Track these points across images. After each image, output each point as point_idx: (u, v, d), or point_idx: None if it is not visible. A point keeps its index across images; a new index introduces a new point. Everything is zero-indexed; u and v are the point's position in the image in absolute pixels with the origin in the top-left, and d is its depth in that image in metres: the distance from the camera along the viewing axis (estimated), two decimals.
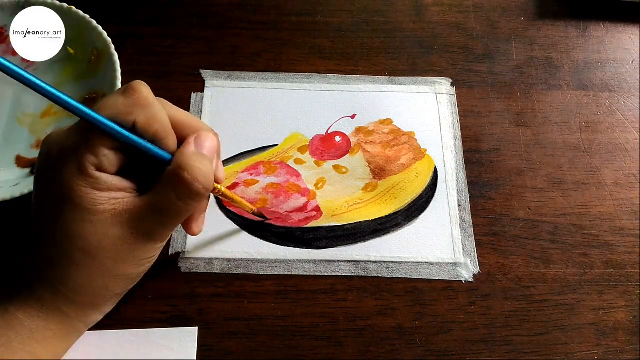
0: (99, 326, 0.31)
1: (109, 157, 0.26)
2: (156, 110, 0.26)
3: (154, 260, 0.30)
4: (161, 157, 0.27)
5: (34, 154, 0.38)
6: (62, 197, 0.26)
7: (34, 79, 0.23)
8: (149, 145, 0.26)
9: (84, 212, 0.25)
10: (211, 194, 0.30)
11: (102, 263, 0.27)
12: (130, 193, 0.27)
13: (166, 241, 0.29)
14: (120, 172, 0.27)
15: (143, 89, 0.26)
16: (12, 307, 0.27)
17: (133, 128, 0.26)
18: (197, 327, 0.33)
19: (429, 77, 0.44)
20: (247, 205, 0.34)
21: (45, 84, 0.24)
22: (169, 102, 0.28)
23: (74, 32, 0.40)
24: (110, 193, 0.26)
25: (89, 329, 0.31)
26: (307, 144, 0.40)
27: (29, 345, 0.27)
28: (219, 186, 0.30)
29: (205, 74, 0.43)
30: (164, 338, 0.32)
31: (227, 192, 0.31)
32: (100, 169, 0.26)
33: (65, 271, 0.26)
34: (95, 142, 0.25)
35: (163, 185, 0.26)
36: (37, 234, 0.27)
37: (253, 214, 0.35)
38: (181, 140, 0.28)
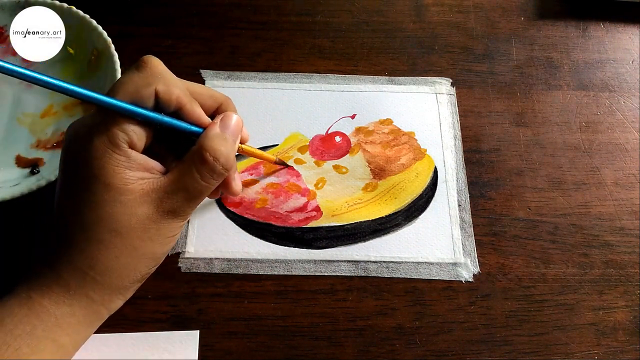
0: (101, 329, 0.31)
1: (137, 132, 0.27)
2: (172, 78, 0.28)
3: (177, 239, 0.30)
4: (192, 131, 0.29)
5: (33, 153, 0.38)
6: (92, 178, 0.26)
7: (48, 78, 0.24)
8: (176, 122, 0.28)
9: (115, 192, 0.26)
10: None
11: (130, 242, 0.27)
12: (156, 174, 0.28)
13: (188, 218, 0.30)
14: (146, 153, 0.28)
15: (155, 60, 0.27)
16: (35, 294, 0.27)
17: (156, 101, 0.27)
18: (198, 331, 0.33)
19: (429, 77, 0.44)
20: (268, 157, 0.37)
21: (59, 80, 0.25)
22: (176, 77, 0.29)
23: (74, 32, 0.40)
24: (140, 172, 0.27)
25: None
26: (307, 144, 0.40)
27: (54, 332, 0.26)
28: (242, 146, 0.33)
29: (205, 74, 0.43)
30: (165, 341, 0.32)
31: (247, 149, 0.34)
32: (130, 145, 0.26)
33: (94, 253, 0.27)
34: (121, 120, 0.26)
35: (187, 164, 0.28)
36: (63, 219, 0.27)
37: (276, 163, 0.38)
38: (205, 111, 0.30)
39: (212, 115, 0.31)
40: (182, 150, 0.29)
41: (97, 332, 0.31)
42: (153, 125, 0.28)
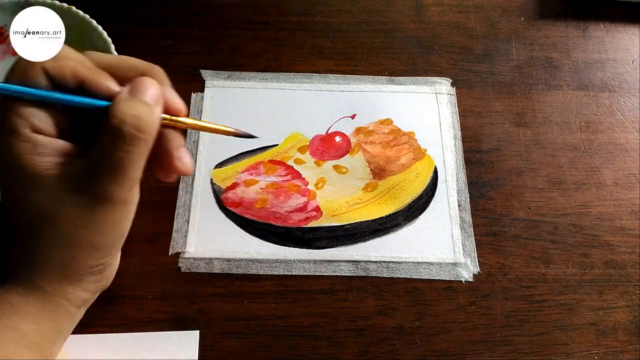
0: (100, 328, 0.31)
1: (39, 115, 0.24)
2: (64, 52, 0.25)
3: (124, 229, 0.27)
4: (97, 105, 0.25)
5: None
6: (8, 170, 0.25)
7: None
8: (75, 98, 0.25)
9: (34, 179, 0.24)
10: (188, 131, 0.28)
11: (62, 231, 0.25)
12: (74, 156, 0.26)
13: (132, 204, 0.27)
14: (69, 136, 0.26)
15: None
16: None
17: (51, 79, 0.25)
18: (198, 331, 0.33)
19: (429, 77, 0.44)
20: (221, 129, 0.30)
21: None
22: (96, 52, 0.27)
23: (74, 32, 0.40)
24: (55, 158, 0.25)
25: (91, 332, 0.31)
26: (307, 144, 0.40)
27: (13, 320, 0.26)
28: (182, 119, 0.28)
29: (205, 74, 0.43)
30: (165, 342, 0.32)
31: (189, 122, 0.29)
32: (37, 131, 0.25)
33: (28, 242, 0.26)
34: (16, 104, 0.24)
35: (100, 138, 0.25)
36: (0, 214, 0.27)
37: (237, 135, 0.31)
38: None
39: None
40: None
41: (97, 332, 0.31)
42: (55, 105, 0.25)
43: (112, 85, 0.26)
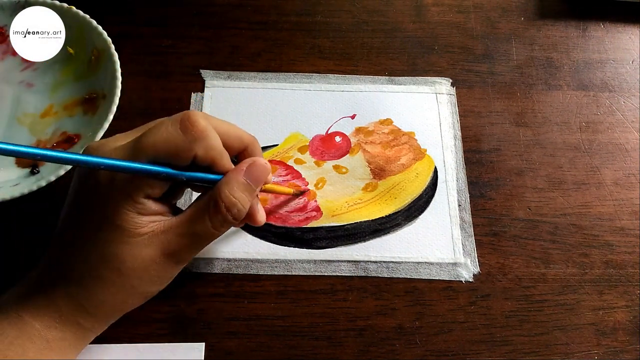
0: (104, 334, 0.31)
1: (158, 186, 0.27)
2: (213, 140, 0.27)
3: (172, 279, 0.30)
4: (213, 180, 0.28)
5: None
6: (104, 219, 0.26)
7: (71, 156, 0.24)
8: (201, 175, 0.28)
9: (125, 234, 0.26)
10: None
11: (129, 282, 0.27)
12: (166, 217, 0.28)
13: (187, 263, 0.30)
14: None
15: (200, 120, 0.26)
16: (27, 315, 0.27)
17: (193, 160, 0.27)
18: (203, 343, 0.33)
19: (429, 77, 0.44)
20: (287, 191, 0.37)
21: (75, 154, 0.24)
22: (211, 116, 0.29)
23: (74, 32, 0.40)
24: (151, 217, 0.27)
25: (94, 341, 0.31)
26: (307, 144, 0.40)
27: (45, 354, 0.27)
28: (264, 186, 0.32)
29: (205, 74, 0.43)
30: (170, 354, 0.32)
31: (269, 187, 0.34)
32: (148, 196, 0.27)
33: (93, 288, 0.27)
34: (146, 178, 0.26)
35: (200, 210, 0.28)
36: (64, 250, 0.28)
37: (294, 194, 0.37)
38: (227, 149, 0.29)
39: (236, 157, 0.31)
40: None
41: (101, 342, 0.31)
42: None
43: (229, 164, 0.29)
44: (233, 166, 0.29)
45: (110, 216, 0.26)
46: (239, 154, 0.31)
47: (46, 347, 0.27)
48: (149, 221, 0.27)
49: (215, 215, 0.28)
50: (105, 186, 0.27)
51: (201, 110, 0.41)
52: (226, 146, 0.29)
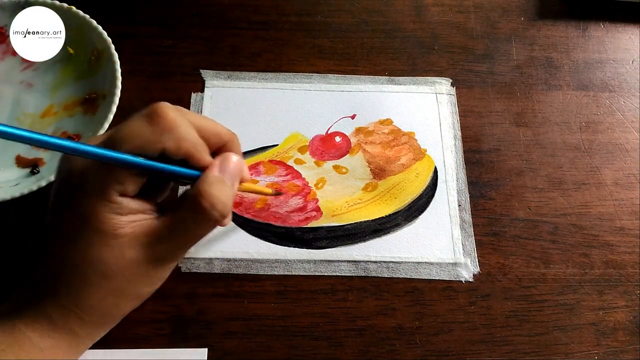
0: (104, 338, 0.31)
1: (133, 181, 0.26)
2: (184, 131, 0.26)
3: (163, 281, 0.30)
4: (191, 175, 0.27)
5: (34, 154, 0.38)
6: (82, 222, 0.26)
7: (36, 135, 0.23)
8: (176, 168, 0.27)
9: (105, 236, 0.26)
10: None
11: (117, 285, 0.27)
12: (149, 215, 0.27)
13: (178, 262, 0.29)
14: (140, 193, 0.27)
15: (169, 112, 0.25)
16: (21, 324, 0.27)
17: (162, 154, 0.26)
18: (206, 349, 0.33)
19: (429, 77, 0.44)
20: (266, 191, 0.35)
21: (48, 136, 0.23)
22: (188, 111, 0.28)
23: (74, 32, 0.40)
24: (132, 216, 0.26)
25: (95, 345, 0.31)
26: (307, 144, 0.40)
27: None
28: (242, 185, 0.30)
29: (205, 74, 0.43)
30: (172, 358, 0.32)
31: (247, 187, 0.32)
32: (123, 193, 0.26)
33: (81, 293, 0.27)
34: (118, 171, 0.25)
35: (183, 209, 0.27)
36: (52, 257, 0.27)
37: (274, 194, 0.36)
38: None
39: (214, 153, 0.29)
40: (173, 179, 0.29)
41: (101, 343, 0.31)
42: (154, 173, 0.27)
43: (208, 158, 0.28)
44: (212, 160, 0.28)
45: (88, 218, 0.26)
46: (218, 151, 0.29)
47: (39, 355, 0.26)
48: (129, 221, 0.26)
49: (198, 213, 0.26)
50: (79, 185, 0.26)
51: (201, 111, 0.41)
52: (204, 142, 0.28)
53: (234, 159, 0.28)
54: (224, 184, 0.27)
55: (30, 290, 0.28)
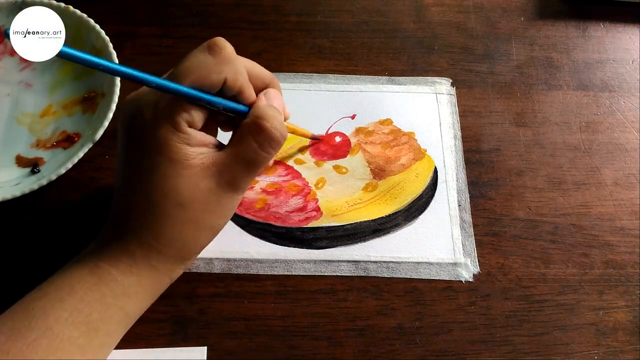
0: None
1: (198, 113, 0.27)
2: (240, 64, 0.28)
3: (233, 212, 0.31)
4: (241, 111, 0.29)
5: (33, 153, 0.38)
6: (156, 154, 0.27)
7: (110, 64, 0.25)
8: (230, 103, 0.28)
9: (178, 166, 0.27)
10: None
11: (193, 215, 0.28)
12: (213, 148, 0.29)
13: (246, 191, 0.31)
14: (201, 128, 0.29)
15: (227, 45, 0.28)
16: (104, 263, 0.28)
17: (223, 84, 0.27)
18: (205, 347, 0.33)
19: (429, 77, 0.44)
20: (306, 133, 0.38)
21: (118, 65, 0.26)
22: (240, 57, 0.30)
23: (72, 31, 0.40)
24: (199, 148, 0.28)
25: None
26: (307, 144, 0.40)
27: (121, 300, 0.28)
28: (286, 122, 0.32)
29: None
30: (172, 357, 0.32)
31: (290, 125, 0.34)
32: (191, 125, 0.27)
33: (159, 226, 0.28)
34: (186, 104, 0.27)
35: (244, 136, 0.28)
36: (128, 194, 0.29)
37: (313, 138, 0.40)
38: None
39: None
40: (224, 120, 0.31)
41: None
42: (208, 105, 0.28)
43: (254, 95, 0.30)
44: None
45: (161, 149, 0.27)
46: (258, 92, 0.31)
47: (123, 293, 0.28)
48: (198, 152, 0.27)
49: (260, 135, 0.28)
50: (151, 119, 0.27)
51: None
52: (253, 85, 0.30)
53: (275, 92, 0.31)
54: (276, 109, 0.29)
55: (110, 231, 0.29)
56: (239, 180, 0.29)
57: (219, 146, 0.29)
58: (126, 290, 0.28)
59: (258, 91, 0.31)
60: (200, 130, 0.28)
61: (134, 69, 0.25)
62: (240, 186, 0.29)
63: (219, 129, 0.32)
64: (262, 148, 0.28)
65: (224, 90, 0.28)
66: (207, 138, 0.28)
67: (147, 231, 0.28)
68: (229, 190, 0.29)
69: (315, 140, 0.40)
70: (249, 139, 0.28)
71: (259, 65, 0.31)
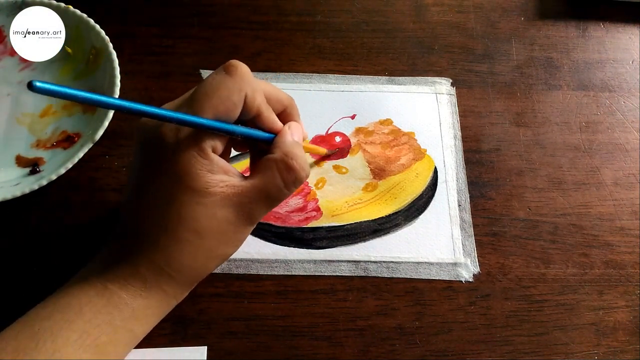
0: None
1: (222, 138, 0.27)
2: (257, 84, 0.28)
3: (244, 241, 0.30)
4: (266, 138, 0.29)
5: (33, 153, 0.38)
6: (175, 181, 0.26)
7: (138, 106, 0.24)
8: (254, 131, 0.28)
9: (198, 194, 0.26)
10: None
11: (208, 243, 0.28)
12: (234, 176, 0.28)
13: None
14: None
15: (242, 64, 0.27)
16: (112, 285, 0.27)
17: (244, 104, 0.27)
18: (205, 347, 0.33)
19: (429, 77, 0.44)
20: (321, 151, 0.39)
21: (151, 107, 0.25)
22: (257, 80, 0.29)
23: (72, 31, 0.40)
24: (221, 176, 0.27)
25: None
26: (323, 155, 0.40)
27: (130, 323, 0.28)
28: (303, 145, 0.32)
29: (205, 74, 0.43)
30: (172, 357, 0.32)
31: (306, 147, 0.35)
32: (214, 150, 0.27)
33: (173, 251, 0.27)
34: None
35: (271, 172, 0.28)
36: (137, 214, 0.28)
37: (328, 154, 0.40)
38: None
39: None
40: (241, 145, 0.31)
41: None
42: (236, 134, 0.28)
43: (277, 122, 0.29)
44: (281, 124, 0.30)
45: (182, 176, 0.26)
46: (279, 115, 0.31)
47: (131, 316, 0.27)
48: (219, 180, 0.27)
49: (288, 174, 0.28)
50: (172, 143, 0.26)
51: None
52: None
53: (298, 125, 0.31)
54: (301, 147, 0.29)
55: (117, 251, 0.29)
56: (257, 212, 0.28)
57: (238, 175, 0.29)
58: (135, 313, 0.28)
59: (277, 113, 0.30)
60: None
61: (156, 108, 0.25)
62: (257, 219, 0.29)
63: (232, 149, 0.32)
64: (287, 186, 0.28)
65: (243, 112, 0.27)
66: (227, 165, 0.28)
67: (160, 255, 0.27)
68: (246, 223, 0.28)
69: (333, 153, 0.40)
70: (276, 176, 0.28)
71: (277, 88, 0.30)
